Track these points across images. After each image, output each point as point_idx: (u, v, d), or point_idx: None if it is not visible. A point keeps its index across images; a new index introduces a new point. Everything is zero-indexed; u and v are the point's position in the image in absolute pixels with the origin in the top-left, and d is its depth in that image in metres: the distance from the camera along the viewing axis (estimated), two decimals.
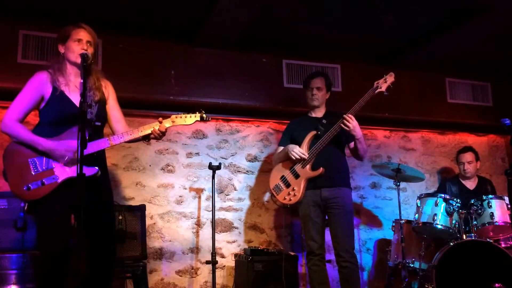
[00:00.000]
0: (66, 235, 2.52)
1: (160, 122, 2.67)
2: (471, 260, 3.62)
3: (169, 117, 2.72)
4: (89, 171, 2.49)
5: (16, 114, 2.61)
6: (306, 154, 3.53)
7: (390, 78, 3.54)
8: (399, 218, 4.04)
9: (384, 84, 3.53)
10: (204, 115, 2.73)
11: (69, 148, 2.52)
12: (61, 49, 2.71)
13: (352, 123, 3.43)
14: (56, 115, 2.61)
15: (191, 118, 2.72)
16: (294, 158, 3.54)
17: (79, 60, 2.53)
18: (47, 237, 2.53)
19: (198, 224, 4.43)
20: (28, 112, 2.66)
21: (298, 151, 3.53)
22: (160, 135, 2.68)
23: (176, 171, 4.46)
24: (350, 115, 3.44)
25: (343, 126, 3.43)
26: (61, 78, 2.66)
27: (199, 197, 4.48)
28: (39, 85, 2.64)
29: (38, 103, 2.66)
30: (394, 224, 4.32)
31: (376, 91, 3.53)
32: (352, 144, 3.64)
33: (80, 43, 2.65)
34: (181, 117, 2.72)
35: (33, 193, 2.50)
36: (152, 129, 2.66)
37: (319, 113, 3.77)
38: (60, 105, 2.61)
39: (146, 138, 2.74)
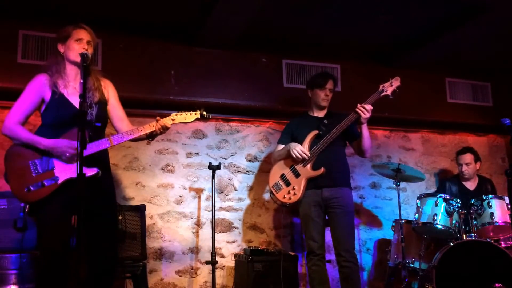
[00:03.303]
0: (66, 236, 2.53)
1: (157, 121, 2.66)
2: (471, 260, 3.62)
3: (168, 116, 2.72)
4: (89, 171, 2.49)
5: (17, 117, 2.63)
6: (308, 154, 3.53)
7: (396, 82, 3.53)
8: (399, 218, 4.04)
9: (389, 88, 3.52)
10: (204, 113, 2.71)
11: (71, 144, 2.53)
12: (61, 49, 2.71)
13: (369, 111, 3.43)
14: (56, 118, 2.62)
15: (191, 116, 2.71)
16: (295, 156, 3.53)
17: (79, 59, 2.53)
18: (47, 238, 2.53)
19: (198, 224, 4.43)
20: (29, 115, 2.68)
21: (300, 149, 3.53)
22: (161, 131, 2.67)
23: (176, 171, 4.45)
24: (367, 104, 3.44)
25: (359, 111, 3.42)
26: (60, 80, 2.66)
27: (199, 197, 4.48)
28: (39, 88, 2.65)
29: (39, 105, 2.68)
30: (394, 224, 4.31)
31: (381, 95, 3.52)
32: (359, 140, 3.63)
33: (80, 43, 2.66)
34: (181, 115, 2.71)
35: (34, 195, 2.50)
36: (154, 127, 2.65)
37: (320, 113, 3.77)
38: (60, 107, 2.62)
39: (149, 137, 2.74)
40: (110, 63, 4.00)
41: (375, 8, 3.91)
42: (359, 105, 3.45)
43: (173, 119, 2.70)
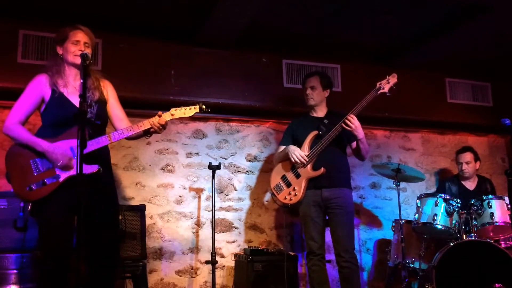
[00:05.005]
0: (68, 235, 2.53)
1: (160, 116, 2.67)
2: (471, 260, 3.62)
3: (168, 111, 2.73)
4: (89, 169, 2.50)
5: (18, 117, 2.64)
6: (306, 158, 3.52)
7: (393, 79, 3.51)
8: (399, 218, 4.04)
9: (386, 85, 3.51)
10: (203, 106, 2.73)
11: (66, 153, 2.54)
12: (59, 51, 2.73)
13: (354, 123, 3.43)
14: (56, 117, 2.63)
15: (190, 110, 2.73)
16: (293, 160, 3.54)
17: (77, 61, 2.55)
18: (48, 237, 2.53)
19: (198, 224, 4.43)
20: (29, 115, 2.69)
21: (299, 154, 3.53)
22: (161, 128, 2.68)
23: (176, 171, 4.45)
24: (352, 115, 3.44)
25: (345, 126, 3.43)
26: (59, 80, 2.68)
27: (199, 197, 4.48)
28: (39, 88, 2.66)
29: (39, 105, 2.69)
30: (394, 224, 4.31)
31: (378, 92, 3.51)
32: (354, 144, 3.63)
33: (77, 45, 2.67)
34: (180, 110, 2.72)
35: (36, 193, 2.51)
36: (152, 123, 2.66)
37: (320, 113, 3.77)
38: (60, 107, 2.63)
39: (148, 133, 2.74)
40: (110, 63, 4.00)
41: (375, 8, 3.91)
42: (347, 116, 3.44)
43: (172, 114, 2.71)
